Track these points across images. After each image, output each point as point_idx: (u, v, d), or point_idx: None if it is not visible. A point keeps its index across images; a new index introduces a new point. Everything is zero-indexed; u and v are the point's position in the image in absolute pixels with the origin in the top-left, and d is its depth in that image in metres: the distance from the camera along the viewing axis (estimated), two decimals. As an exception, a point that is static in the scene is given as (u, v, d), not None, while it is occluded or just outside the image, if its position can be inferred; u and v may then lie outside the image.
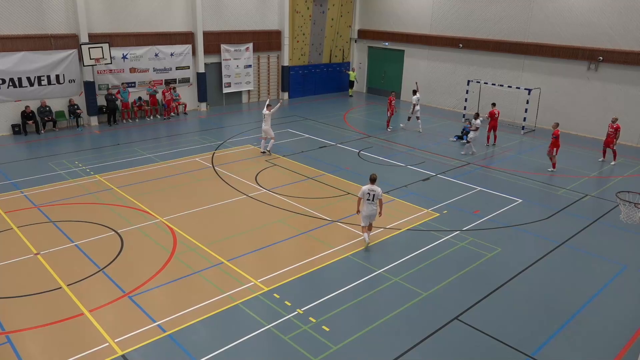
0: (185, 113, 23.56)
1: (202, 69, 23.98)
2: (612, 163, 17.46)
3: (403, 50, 27.68)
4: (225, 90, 25.34)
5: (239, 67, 25.35)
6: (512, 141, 20.31)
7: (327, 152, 18.43)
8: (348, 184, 15.07)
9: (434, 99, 26.83)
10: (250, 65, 25.77)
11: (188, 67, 23.57)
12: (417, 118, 20.90)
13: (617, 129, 17.21)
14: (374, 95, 29.29)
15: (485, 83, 23.29)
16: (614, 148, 17.40)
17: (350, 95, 28.18)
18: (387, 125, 21.15)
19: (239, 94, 26.16)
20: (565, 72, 22.06)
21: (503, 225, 12.75)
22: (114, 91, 21.40)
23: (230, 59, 24.94)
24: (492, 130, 19.77)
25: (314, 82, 28.33)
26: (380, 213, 11.21)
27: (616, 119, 17.36)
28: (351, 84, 28.34)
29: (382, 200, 11.16)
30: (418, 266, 10.76)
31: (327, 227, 12.22)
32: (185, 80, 23.74)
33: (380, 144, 19.36)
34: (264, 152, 17.63)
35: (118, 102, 21.68)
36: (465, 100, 23.98)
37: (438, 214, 13.19)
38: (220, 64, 24.80)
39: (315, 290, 9.74)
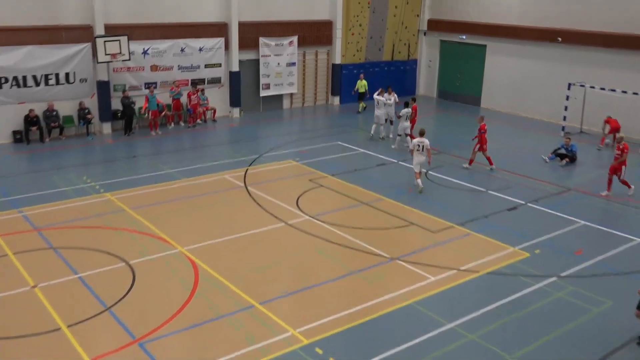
0: (214, 120, 24.03)
1: (235, 67, 24.41)
2: (630, 193, 16.35)
3: (484, 46, 27.34)
4: (263, 94, 25.66)
5: (281, 65, 25.66)
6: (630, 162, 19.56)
7: (386, 171, 18.32)
8: (411, 212, 14.92)
9: (523, 107, 26.25)
10: (294, 63, 26.04)
11: (219, 65, 24.08)
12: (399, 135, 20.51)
13: (624, 150, 15.84)
14: (447, 102, 29.02)
15: (591, 87, 22.59)
16: (623, 178, 16.07)
17: (359, 112, 25.78)
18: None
19: (279, 98, 26.47)
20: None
21: (616, 271, 12.22)
22: (133, 96, 22.06)
23: (270, 55, 25.32)
24: (613, 132, 20.54)
25: (371, 84, 28.25)
26: (429, 162, 16.53)
27: (622, 138, 16.04)
28: (361, 96, 26.01)
29: (430, 150, 16.39)
30: (501, 321, 10.43)
31: (385, 266, 12.11)
32: (216, 81, 24.26)
33: (453, 162, 19.14)
34: (371, 138, 21.24)
35: (136, 107, 22.34)
36: (565, 108, 23.29)
37: (528, 254, 12.80)
38: (257, 61, 25.16)
39: (367, 346, 9.63)
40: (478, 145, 18.17)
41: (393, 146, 20.42)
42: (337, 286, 11.39)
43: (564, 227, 14.25)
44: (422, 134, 16.51)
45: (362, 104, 26.14)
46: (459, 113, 26.11)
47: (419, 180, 16.35)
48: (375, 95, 21.35)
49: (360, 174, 17.83)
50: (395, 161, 19.07)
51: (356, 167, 18.36)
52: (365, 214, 14.83)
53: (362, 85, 26.13)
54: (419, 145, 16.37)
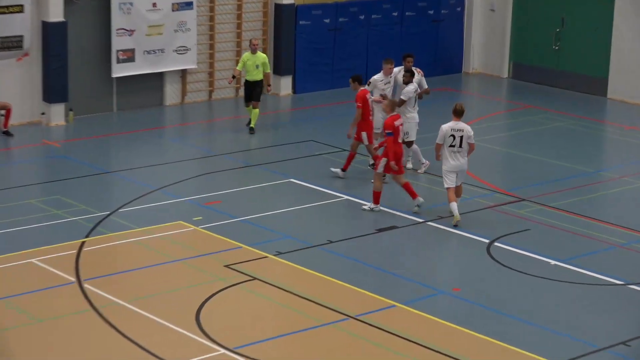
0: (6, 132, 24.10)
1: (57, 16, 24.52)
2: None
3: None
4: (120, 72, 25.91)
5: (161, 8, 26.06)
6: None
7: (398, 243, 18.53)
8: (459, 334, 14.78)
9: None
10: (189, 4, 26.46)
11: (19, 9, 24.16)
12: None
13: None
14: (530, 87, 29.64)
15: None
16: None
17: (251, 129, 25.47)
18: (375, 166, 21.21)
19: (156, 81, 26.87)
20: None
21: None
22: None
23: (134, -11, 25.73)
24: None
25: (363, 50, 28.88)
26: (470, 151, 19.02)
27: None
28: (254, 94, 25.36)
29: (474, 145, 18.82)
30: None
31: None
32: (11, 45, 24.37)
33: (545, 217, 19.43)
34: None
35: None
36: None
37: None
38: (108, 1, 25.47)
39: None
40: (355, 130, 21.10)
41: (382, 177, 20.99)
42: None
43: None
44: (458, 114, 18.75)
45: (253, 111, 25.00)
46: (564, 112, 26.47)
47: (455, 205, 18.75)
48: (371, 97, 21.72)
49: (340, 249, 17.84)
50: (421, 221, 19.17)
51: (330, 236, 18.37)
52: (352, 342, 14.63)
53: (253, 63, 25.08)
54: (453, 137, 18.54)
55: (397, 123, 19.66)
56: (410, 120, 21.43)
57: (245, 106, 25.48)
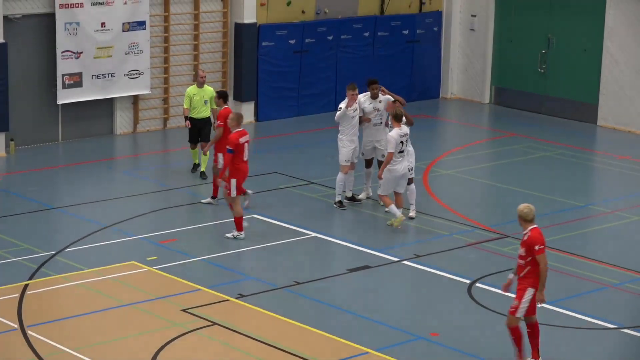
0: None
1: (-4, 36, 24.67)
2: None
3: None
4: (64, 99, 25.81)
5: (110, 28, 26.05)
6: None
7: (371, 283, 18.51)
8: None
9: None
10: (142, 24, 26.46)
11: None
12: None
13: None
14: (514, 113, 29.75)
15: None
16: None
17: (202, 174, 24.70)
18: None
19: (106, 108, 26.78)
20: None
21: None
22: None
23: (81, 5, 25.49)
24: None
25: (332, 74, 29.00)
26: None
27: None
28: (202, 134, 24.90)
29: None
30: None
31: None
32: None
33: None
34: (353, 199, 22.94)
35: None
36: None
37: None
38: (52, 18, 25.35)
39: None
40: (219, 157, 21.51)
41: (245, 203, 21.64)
42: None
43: None
44: (399, 118, 20.57)
45: (203, 156, 24.33)
46: (551, 141, 26.60)
47: (394, 208, 20.69)
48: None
49: (308, 291, 17.87)
50: (396, 260, 19.19)
51: (297, 278, 18.42)
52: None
53: (201, 98, 24.64)
54: (402, 143, 20.58)
55: (242, 140, 20.17)
56: (411, 157, 21.50)
57: (191, 148, 24.65)
